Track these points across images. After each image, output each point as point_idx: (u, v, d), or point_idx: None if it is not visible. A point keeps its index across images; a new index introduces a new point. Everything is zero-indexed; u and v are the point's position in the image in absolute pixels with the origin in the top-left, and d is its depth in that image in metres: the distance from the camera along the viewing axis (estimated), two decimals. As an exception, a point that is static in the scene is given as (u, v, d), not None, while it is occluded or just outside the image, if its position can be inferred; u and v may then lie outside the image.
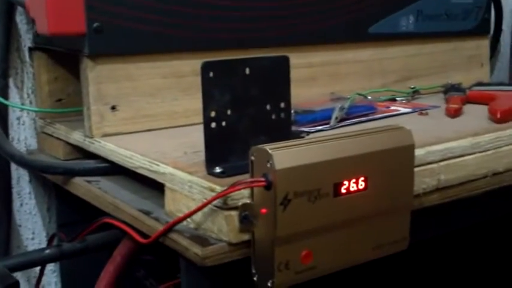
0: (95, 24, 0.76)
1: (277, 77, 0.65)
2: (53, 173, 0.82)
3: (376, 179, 0.59)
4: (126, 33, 0.79)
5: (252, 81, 0.63)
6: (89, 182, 0.78)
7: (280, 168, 0.53)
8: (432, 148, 0.70)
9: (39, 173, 0.90)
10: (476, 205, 0.77)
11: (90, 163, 0.80)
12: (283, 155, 0.54)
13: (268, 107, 0.65)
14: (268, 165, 0.53)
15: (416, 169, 0.67)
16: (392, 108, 0.94)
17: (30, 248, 0.99)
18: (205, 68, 0.60)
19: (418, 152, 0.68)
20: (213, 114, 0.61)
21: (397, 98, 1.03)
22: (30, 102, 0.96)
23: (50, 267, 1.01)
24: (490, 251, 1.22)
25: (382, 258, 0.63)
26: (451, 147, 0.72)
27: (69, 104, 0.92)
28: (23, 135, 0.96)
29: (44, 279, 1.00)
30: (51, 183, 0.93)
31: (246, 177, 0.56)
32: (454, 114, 0.88)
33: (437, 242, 1.09)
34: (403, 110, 0.93)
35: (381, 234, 0.62)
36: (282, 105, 0.66)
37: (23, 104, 0.96)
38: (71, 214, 0.95)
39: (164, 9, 0.81)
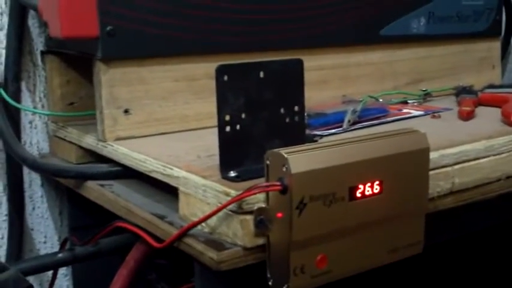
0: (108, 28, 0.76)
1: (291, 80, 0.65)
2: (65, 177, 0.82)
3: (391, 182, 0.59)
4: (139, 37, 0.79)
5: (266, 85, 0.63)
6: (101, 185, 0.78)
7: (296, 172, 0.53)
8: (446, 151, 0.70)
9: (51, 176, 0.90)
10: (490, 208, 0.77)
11: (103, 167, 0.80)
12: (299, 159, 0.54)
13: (282, 110, 0.65)
14: (284, 169, 0.53)
15: (430, 172, 0.67)
16: (405, 110, 0.94)
17: (43, 251, 0.99)
18: (220, 71, 0.60)
19: (432, 155, 0.68)
20: (227, 118, 0.61)
21: (409, 101, 1.03)
22: (43, 106, 0.97)
23: (62, 271, 1.01)
24: (503, 254, 1.21)
25: (396, 262, 0.63)
26: (465, 151, 0.71)
27: (82, 108, 0.92)
28: (35, 139, 0.97)
29: (56, 282, 1.00)
30: (64, 187, 0.93)
31: (261, 181, 0.56)
32: (467, 117, 0.88)
33: (450, 245, 1.09)
34: (415, 112, 0.93)
35: (396, 237, 0.61)
36: (296, 108, 0.66)
37: (35, 108, 0.96)
38: (83, 218, 0.95)
39: (176, 13, 0.81)
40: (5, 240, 0.94)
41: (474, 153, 0.72)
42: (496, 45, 1.20)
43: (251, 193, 0.54)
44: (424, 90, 1.05)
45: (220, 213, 0.58)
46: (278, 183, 0.54)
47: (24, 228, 0.97)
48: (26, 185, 0.96)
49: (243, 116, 0.62)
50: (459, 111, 0.90)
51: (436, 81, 1.11)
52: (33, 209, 0.98)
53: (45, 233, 1.00)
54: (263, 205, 0.56)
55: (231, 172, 0.61)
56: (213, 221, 0.59)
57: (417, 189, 0.62)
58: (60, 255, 0.77)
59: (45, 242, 1.00)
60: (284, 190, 0.53)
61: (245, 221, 0.56)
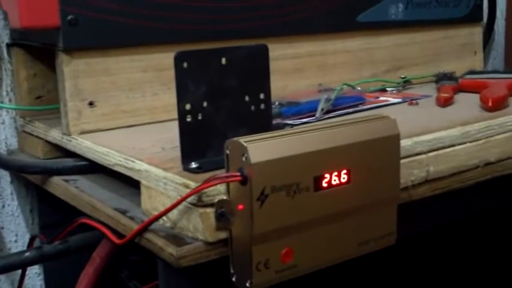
0: (70, 17, 0.73)
1: (256, 66, 0.62)
2: (30, 173, 0.80)
3: (360, 171, 0.56)
4: (103, 26, 0.76)
5: (229, 72, 0.60)
6: (66, 181, 0.75)
7: (256, 162, 0.50)
8: (420, 138, 0.68)
9: (16, 173, 0.88)
10: (467, 197, 0.74)
11: (68, 161, 0.77)
12: (259, 148, 0.51)
13: (247, 98, 0.62)
14: (243, 158, 0.51)
15: (404, 160, 0.64)
16: (382, 98, 0.91)
17: (14, 250, 0.96)
18: (179, 58, 0.57)
19: (406, 142, 0.66)
20: (188, 106, 0.58)
21: (388, 88, 1.00)
22: (10, 100, 0.94)
23: (35, 270, 0.99)
24: (481, 244, 1.19)
25: (370, 254, 0.60)
26: (440, 137, 0.69)
27: (50, 101, 0.89)
28: (3, 135, 0.94)
29: (29, 282, 0.98)
30: (33, 183, 0.90)
31: (222, 172, 0.54)
32: (445, 103, 0.85)
33: (427, 236, 1.06)
34: (392, 100, 0.90)
35: (367, 229, 0.59)
36: (262, 96, 0.63)
37: (1, 102, 0.93)
38: (54, 215, 0.92)
39: (142, 1, 0.78)
40: (-26, 239, 0.92)
41: (449, 140, 0.70)
42: (477, 31, 1.17)
43: (209, 184, 0.52)
44: (403, 78, 1.03)
45: (180, 207, 0.55)
46: (237, 173, 0.51)
47: (-6, 227, 0.94)
48: (-6, 183, 0.94)
49: (205, 104, 0.59)
50: (437, 97, 0.87)
51: (416, 68, 1.08)
52: (3, 206, 0.95)
53: (16, 232, 0.97)
54: (224, 197, 0.53)
55: (192, 163, 0.58)
56: (174, 214, 0.57)
57: (388, 178, 0.59)
58: (27, 254, 0.75)
59: (16, 241, 0.97)
60: (244, 181, 0.51)
61: (205, 214, 0.53)
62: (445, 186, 0.69)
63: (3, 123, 0.94)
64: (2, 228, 0.96)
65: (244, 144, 0.50)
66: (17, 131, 0.94)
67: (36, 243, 0.83)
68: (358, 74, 1.00)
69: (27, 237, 0.98)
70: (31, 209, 0.98)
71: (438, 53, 1.11)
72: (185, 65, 0.58)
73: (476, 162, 0.72)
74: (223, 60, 0.60)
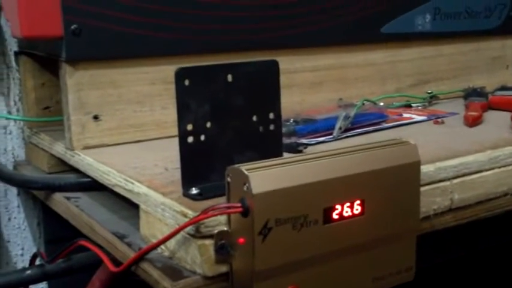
0: (73, 26, 0.70)
1: (265, 84, 0.58)
2: (31, 188, 0.76)
3: (375, 202, 0.52)
4: (108, 36, 0.72)
5: (235, 90, 0.56)
6: (68, 198, 0.71)
7: (258, 193, 0.46)
8: (444, 164, 0.62)
9: (18, 188, 0.84)
10: (496, 226, 0.69)
11: (71, 178, 0.74)
12: (263, 177, 0.46)
13: (254, 118, 0.57)
14: (245, 188, 0.46)
15: (425, 188, 0.60)
16: (405, 116, 0.86)
17: (20, 265, 0.93)
18: (180, 75, 0.53)
19: (428, 168, 0.61)
20: (189, 127, 0.54)
21: (413, 104, 0.95)
22: (18, 110, 0.90)
23: (42, 285, 0.95)
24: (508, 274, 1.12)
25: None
26: (466, 163, 0.64)
27: (58, 112, 0.85)
28: (10, 146, 0.90)
29: (33, 298, 0.94)
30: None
31: (224, 200, 0.49)
32: (473, 123, 0.80)
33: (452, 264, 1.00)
34: (417, 118, 0.85)
35: (382, 264, 0.54)
36: (271, 115, 0.58)
37: (9, 112, 0.90)
38: (60, 230, 0.88)
39: (150, 10, 0.74)
40: (-22, 253, 0.89)
41: (476, 166, 0.64)
42: (510, 44, 1.11)
43: (207, 216, 0.47)
44: (429, 93, 0.97)
45: (178, 236, 0.51)
46: (238, 204, 0.46)
47: (0, 240, 0.91)
48: (0, 195, 0.90)
49: (208, 125, 0.55)
50: (465, 116, 0.82)
51: (443, 82, 1.03)
52: (9, 219, 0.92)
53: (23, 245, 0.94)
54: (224, 228, 0.49)
55: (193, 189, 0.54)
56: (172, 244, 0.52)
57: (407, 209, 0.54)
58: (28, 271, 0.73)
59: (22, 255, 0.94)
60: (245, 213, 0.46)
61: (204, 246, 0.49)
62: (471, 215, 0.64)
63: (10, 133, 0.90)
64: (8, 241, 0.92)
65: (246, 172, 0.46)
66: (25, 142, 0.90)
67: (40, 260, 0.80)
68: (382, 89, 0.95)
69: (33, 251, 0.94)
70: (38, 222, 0.94)
71: (468, 66, 1.06)
72: (187, 82, 0.53)
73: (505, 189, 0.66)
74: (229, 77, 0.55)
